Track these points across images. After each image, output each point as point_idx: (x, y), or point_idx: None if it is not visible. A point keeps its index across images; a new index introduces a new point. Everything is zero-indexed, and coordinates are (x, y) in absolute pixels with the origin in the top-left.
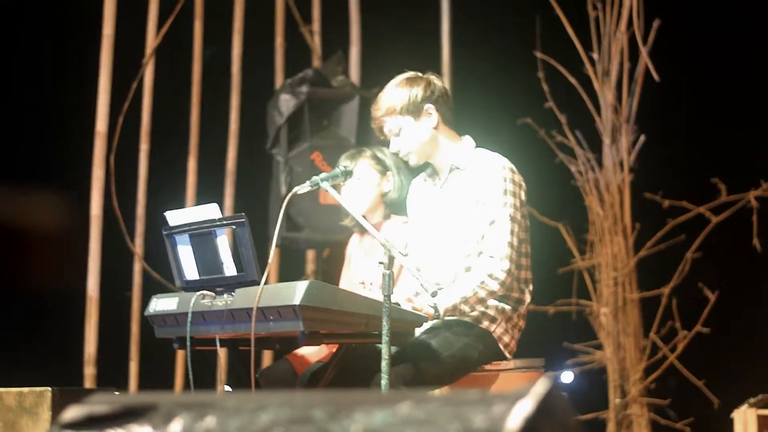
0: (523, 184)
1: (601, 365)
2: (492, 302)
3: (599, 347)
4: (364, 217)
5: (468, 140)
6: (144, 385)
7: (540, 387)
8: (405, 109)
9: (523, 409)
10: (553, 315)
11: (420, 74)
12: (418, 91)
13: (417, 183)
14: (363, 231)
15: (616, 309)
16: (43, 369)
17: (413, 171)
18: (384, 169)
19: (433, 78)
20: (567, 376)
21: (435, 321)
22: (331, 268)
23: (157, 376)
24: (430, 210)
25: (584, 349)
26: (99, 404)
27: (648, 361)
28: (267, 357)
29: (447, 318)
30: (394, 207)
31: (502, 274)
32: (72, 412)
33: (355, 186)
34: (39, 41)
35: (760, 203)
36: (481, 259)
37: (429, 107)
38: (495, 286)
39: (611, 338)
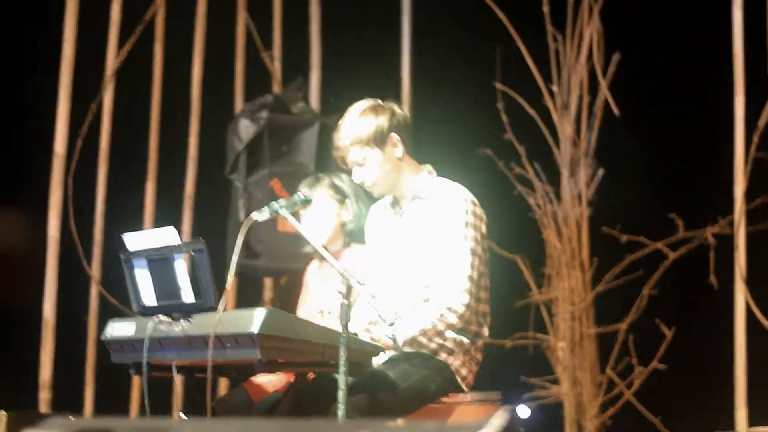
0: (484, 216)
1: (557, 400)
2: (450, 335)
3: (556, 382)
4: (324, 246)
5: (429, 169)
6: (99, 410)
7: (498, 419)
8: (371, 140)
9: None
10: (509, 349)
11: (382, 102)
12: (383, 121)
13: (376, 210)
14: (323, 258)
15: (573, 344)
16: None
17: (372, 198)
18: (342, 197)
19: (395, 106)
20: (523, 411)
21: (393, 352)
22: (288, 296)
23: (112, 401)
24: (390, 238)
25: (541, 383)
26: (55, 428)
27: (604, 396)
28: (223, 386)
29: (405, 350)
30: (354, 235)
31: (462, 308)
32: None
33: (313, 215)
34: None
35: (717, 240)
36: (441, 291)
37: (394, 137)
38: (453, 319)
39: (568, 373)
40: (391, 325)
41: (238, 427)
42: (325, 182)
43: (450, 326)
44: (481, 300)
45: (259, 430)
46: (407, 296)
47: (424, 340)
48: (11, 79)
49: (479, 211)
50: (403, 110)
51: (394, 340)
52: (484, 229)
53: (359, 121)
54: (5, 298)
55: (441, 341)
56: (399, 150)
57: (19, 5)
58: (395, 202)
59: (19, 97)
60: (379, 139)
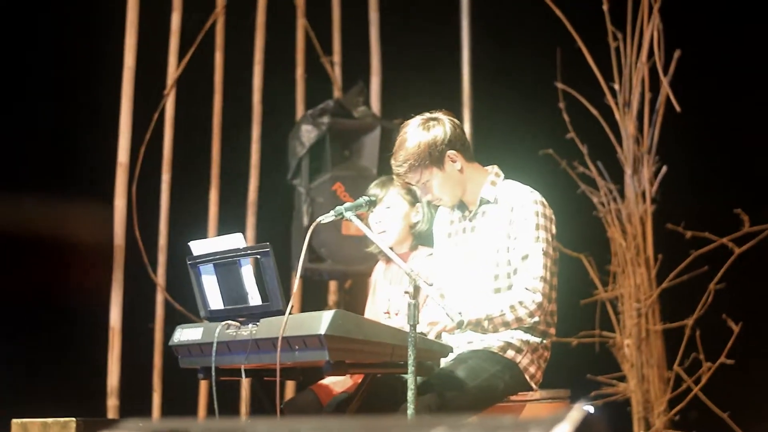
0: (554, 217)
1: (625, 397)
2: (518, 333)
3: (623, 379)
4: (391, 247)
5: (496, 171)
6: (166, 416)
7: (576, 413)
8: (429, 162)
9: None
10: (575, 346)
11: (430, 117)
12: (436, 141)
13: (444, 212)
14: (389, 258)
15: (639, 340)
16: (66, 400)
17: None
18: (414, 200)
19: (446, 119)
20: (588, 409)
21: (460, 352)
22: (353, 299)
23: (179, 407)
24: (459, 241)
25: (608, 381)
26: (129, 431)
27: (672, 392)
28: (289, 390)
29: (473, 348)
30: (422, 238)
31: (533, 305)
32: None
33: (384, 215)
34: (62, 72)
35: None
36: (514, 289)
37: (450, 153)
38: (523, 314)
39: (635, 370)
40: (459, 324)
41: (315, 425)
42: (398, 183)
43: (518, 320)
44: (551, 300)
45: (337, 427)
46: (477, 299)
47: (488, 327)
48: (74, 90)
49: (549, 212)
50: (454, 119)
51: (460, 321)
52: (554, 229)
53: (412, 145)
54: (72, 307)
55: (509, 337)
56: (458, 164)
57: (82, 16)
58: (463, 206)
59: (82, 108)
60: (436, 160)
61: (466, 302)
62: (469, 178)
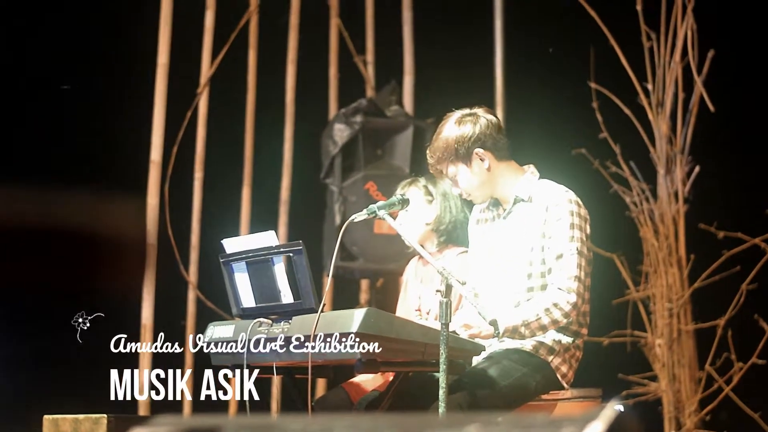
0: (588, 217)
1: (656, 397)
2: (550, 333)
3: (654, 379)
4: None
5: (531, 170)
6: (197, 413)
7: (609, 411)
8: (455, 158)
9: (594, 431)
10: (607, 346)
11: (467, 113)
12: (464, 138)
13: (479, 210)
14: (421, 257)
15: (671, 340)
16: (98, 397)
17: (468, 202)
18: (432, 199)
19: (481, 115)
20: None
21: (492, 351)
22: (384, 297)
23: (210, 405)
24: (493, 240)
25: (639, 380)
26: (163, 426)
27: (703, 392)
28: (320, 388)
29: (505, 347)
30: (452, 237)
31: (568, 306)
32: None
33: (404, 216)
34: (95, 70)
35: None
36: (549, 290)
37: (478, 152)
38: (559, 316)
39: (666, 370)
40: (492, 323)
41: (348, 422)
42: (420, 184)
43: (554, 323)
44: (585, 300)
45: (369, 424)
46: (510, 299)
47: (525, 332)
48: (107, 88)
49: (584, 212)
50: (491, 116)
51: (495, 326)
52: (588, 229)
53: (443, 140)
54: (104, 304)
55: (541, 338)
56: (486, 162)
57: (116, 14)
58: (498, 204)
59: (115, 106)
60: (463, 156)
61: (501, 307)
62: (499, 176)
